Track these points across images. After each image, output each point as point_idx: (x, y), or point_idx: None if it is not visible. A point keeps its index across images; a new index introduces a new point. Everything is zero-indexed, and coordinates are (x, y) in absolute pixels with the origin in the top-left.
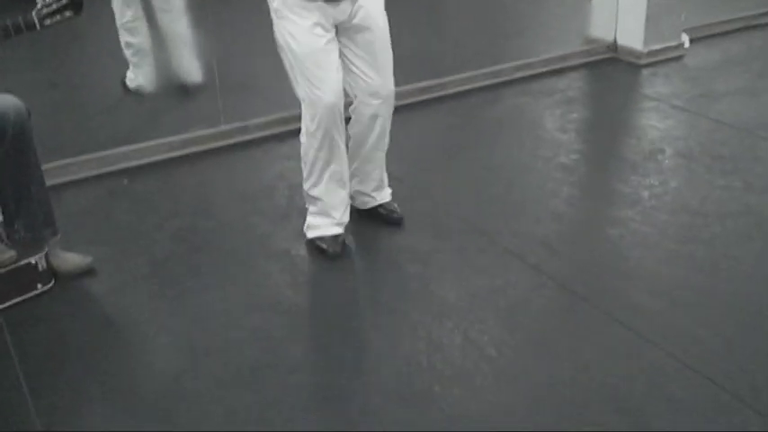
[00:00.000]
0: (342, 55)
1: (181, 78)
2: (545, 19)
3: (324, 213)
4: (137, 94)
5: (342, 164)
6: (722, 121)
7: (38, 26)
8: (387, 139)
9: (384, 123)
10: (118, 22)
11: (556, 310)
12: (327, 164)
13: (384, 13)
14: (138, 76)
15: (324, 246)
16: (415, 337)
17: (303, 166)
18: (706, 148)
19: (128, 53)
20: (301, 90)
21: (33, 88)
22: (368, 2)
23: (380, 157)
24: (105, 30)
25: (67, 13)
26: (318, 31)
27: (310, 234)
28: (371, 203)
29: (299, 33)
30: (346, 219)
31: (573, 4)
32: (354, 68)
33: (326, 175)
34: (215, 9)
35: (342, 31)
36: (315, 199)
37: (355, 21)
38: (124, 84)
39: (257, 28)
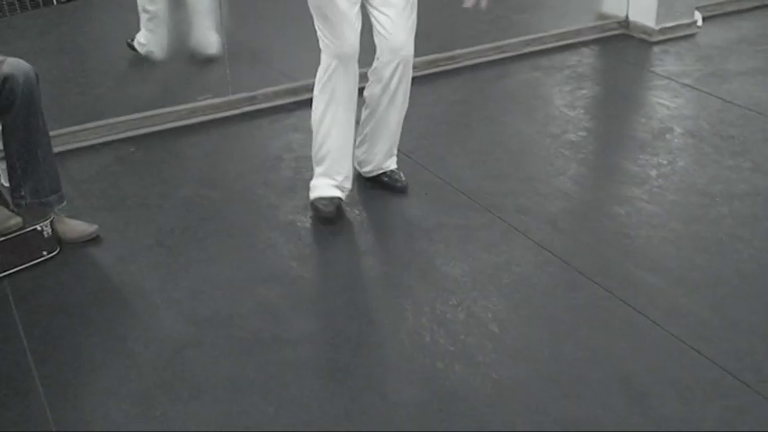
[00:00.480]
0: (369, 14)
1: (195, 47)
2: None
3: (327, 175)
4: (147, 60)
5: (349, 129)
6: (733, 102)
7: (54, 1)
8: (404, 105)
9: (400, 85)
10: None
11: (560, 287)
12: (335, 121)
13: None
14: (151, 43)
15: (320, 206)
16: (419, 313)
17: (312, 124)
18: (715, 128)
19: (144, 18)
20: (320, 41)
21: (42, 53)
22: None
23: (394, 121)
24: None
25: None
26: None
27: (311, 195)
28: (376, 171)
29: None
30: (348, 185)
31: None
32: (378, 27)
33: (333, 134)
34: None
35: (370, 6)
36: (321, 159)
37: None
38: (130, 46)
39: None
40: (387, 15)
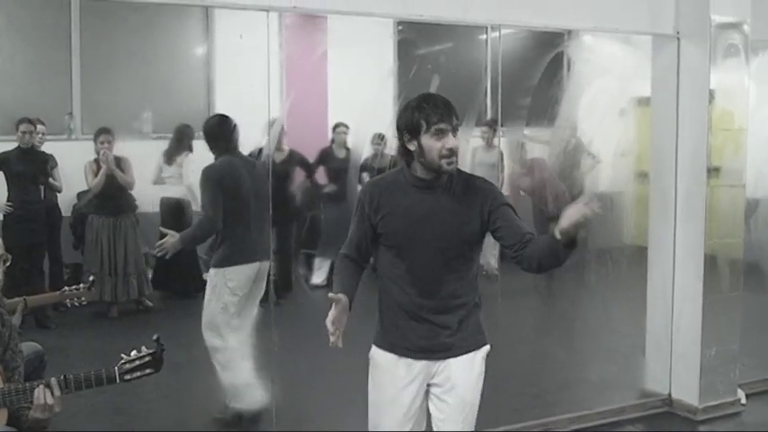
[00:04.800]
0: (429, 410)
1: (238, 401)
2: (598, 370)
3: None
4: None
5: None
6: None
7: (117, 380)
8: None
9: None
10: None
11: None
12: None
13: (477, 377)
14: None
15: None
16: None
17: None
18: None
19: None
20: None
21: (94, 412)
22: (457, 363)
23: None
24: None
25: (148, 370)
26: (397, 382)
27: None
28: None
29: (378, 381)
30: None
31: (626, 356)
32: (434, 422)
33: None
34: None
35: (431, 386)
36: None
37: (440, 378)
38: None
39: (323, 378)
40: (443, 407)
